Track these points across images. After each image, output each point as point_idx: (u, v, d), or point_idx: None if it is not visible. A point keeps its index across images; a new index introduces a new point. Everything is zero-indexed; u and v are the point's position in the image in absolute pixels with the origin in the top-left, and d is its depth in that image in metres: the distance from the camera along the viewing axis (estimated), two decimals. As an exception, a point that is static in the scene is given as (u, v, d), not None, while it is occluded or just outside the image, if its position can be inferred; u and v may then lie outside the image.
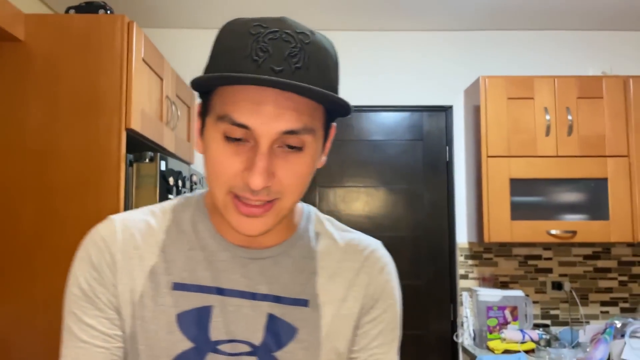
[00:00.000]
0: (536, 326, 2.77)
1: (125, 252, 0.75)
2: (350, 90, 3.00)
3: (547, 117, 2.60)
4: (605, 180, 2.60)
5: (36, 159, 1.84)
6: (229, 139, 0.66)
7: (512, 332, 2.56)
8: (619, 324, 2.54)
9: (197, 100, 0.74)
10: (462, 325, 2.82)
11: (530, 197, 2.68)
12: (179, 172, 2.15)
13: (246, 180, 0.66)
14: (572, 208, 2.67)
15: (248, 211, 0.68)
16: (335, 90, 0.69)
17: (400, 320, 0.83)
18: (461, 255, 2.90)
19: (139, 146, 2.08)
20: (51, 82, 1.87)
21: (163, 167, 1.97)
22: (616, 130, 2.61)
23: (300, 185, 0.70)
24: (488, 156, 2.60)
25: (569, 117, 2.60)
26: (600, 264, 2.89)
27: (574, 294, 2.85)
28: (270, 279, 0.76)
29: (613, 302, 2.87)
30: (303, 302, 0.77)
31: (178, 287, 0.74)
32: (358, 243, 0.83)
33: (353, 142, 2.95)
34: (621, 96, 2.63)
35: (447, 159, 2.99)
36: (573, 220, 2.63)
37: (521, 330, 2.58)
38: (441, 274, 2.94)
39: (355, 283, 0.80)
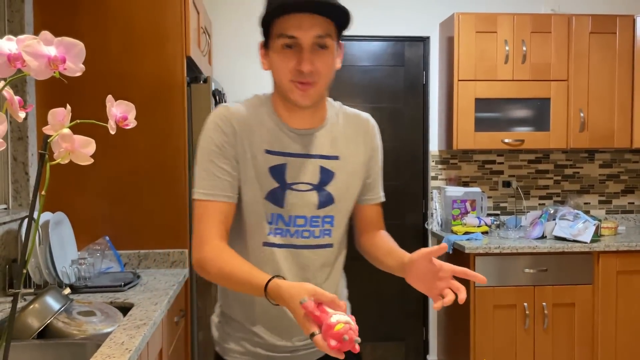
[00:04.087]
0: (489, 215, 3.55)
1: (239, 126, 1.22)
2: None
3: (507, 48, 3.22)
4: (548, 99, 3.28)
5: (117, 81, 2.33)
6: (284, 47, 1.15)
7: (471, 219, 3.29)
8: (552, 211, 3.32)
9: (259, 39, 1.24)
10: (431, 215, 3.54)
11: (490, 113, 3.35)
12: (220, 91, 2.67)
13: (299, 68, 1.15)
14: (522, 122, 3.37)
15: (303, 87, 1.17)
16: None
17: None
18: (432, 161, 3.58)
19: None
20: (127, 17, 2.32)
21: (213, 87, 2.49)
22: (559, 59, 3.27)
23: (328, 73, 1.20)
24: (459, 80, 3.22)
25: (524, 48, 3.23)
26: (541, 166, 3.65)
27: (519, 190, 3.62)
28: (316, 145, 1.27)
29: (549, 197, 3.66)
30: (336, 157, 1.28)
31: (268, 152, 1.23)
32: (362, 116, 1.37)
33: (346, 68, 3.51)
34: (565, 31, 3.27)
35: (424, 82, 3.60)
36: (522, 131, 3.33)
37: (478, 218, 3.31)
38: (416, 176, 3.63)
39: (363, 141, 1.34)
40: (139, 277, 2.17)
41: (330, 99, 1.34)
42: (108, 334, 1.51)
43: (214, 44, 3.33)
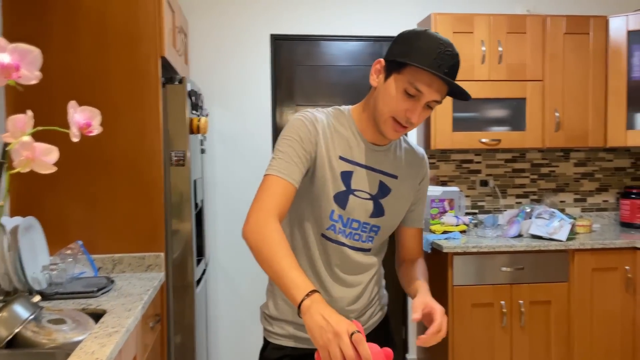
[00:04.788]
0: (467, 214, 3.57)
1: (322, 129, 1.37)
2: (320, 20, 3.51)
3: (483, 48, 3.24)
4: (524, 99, 3.31)
5: (89, 81, 2.28)
6: (406, 92, 1.27)
7: (449, 218, 3.31)
8: (528, 209, 3.35)
9: (381, 59, 1.36)
10: (410, 215, 3.55)
11: (468, 113, 3.37)
12: (196, 92, 2.64)
13: (408, 115, 1.29)
14: (498, 122, 3.40)
15: (399, 128, 1.32)
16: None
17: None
18: (411, 161, 3.58)
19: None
20: (99, 17, 2.27)
21: (189, 88, 2.46)
22: (534, 60, 3.30)
23: (419, 124, 1.37)
24: (436, 80, 3.22)
25: (500, 49, 3.25)
26: (517, 165, 3.68)
27: (496, 189, 3.65)
28: (380, 162, 1.44)
29: (525, 195, 3.70)
30: (395, 176, 1.46)
31: (341, 158, 1.39)
32: (419, 150, 1.56)
33: (325, 67, 3.49)
34: (540, 32, 3.30)
35: (402, 82, 3.59)
36: (498, 131, 3.35)
37: (456, 217, 3.33)
38: (395, 176, 3.63)
39: (417, 171, 1.52)
40: (112, 282, 2.13)
41: None
42: (79, 342, 1.47)
43: (191, 44, 3.29)
